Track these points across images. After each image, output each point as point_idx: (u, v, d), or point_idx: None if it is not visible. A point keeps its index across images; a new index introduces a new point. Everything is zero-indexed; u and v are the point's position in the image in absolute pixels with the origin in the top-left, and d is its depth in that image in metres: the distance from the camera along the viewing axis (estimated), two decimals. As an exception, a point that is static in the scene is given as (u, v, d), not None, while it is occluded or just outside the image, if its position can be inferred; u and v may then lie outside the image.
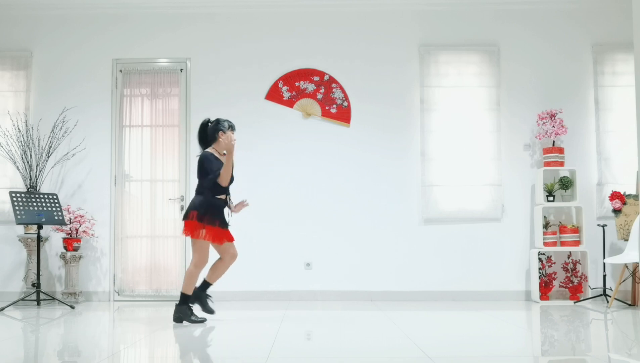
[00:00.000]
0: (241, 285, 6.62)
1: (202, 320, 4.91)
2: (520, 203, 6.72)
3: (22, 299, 6.10)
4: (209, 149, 4.98)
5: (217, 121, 5.01)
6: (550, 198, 6.48)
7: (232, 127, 5.02)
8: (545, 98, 6.77)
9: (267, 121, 6.77)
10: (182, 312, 4.89)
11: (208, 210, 4.84)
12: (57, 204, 6.17)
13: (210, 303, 5.08)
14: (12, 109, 6.76)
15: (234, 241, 5.06)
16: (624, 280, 6.00)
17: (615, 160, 6.67)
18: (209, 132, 5.00)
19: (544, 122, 6.53)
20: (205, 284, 5.07)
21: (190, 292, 4.90)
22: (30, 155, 6.56)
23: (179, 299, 4.93)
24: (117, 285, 6.67)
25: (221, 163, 4.87)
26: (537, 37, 6.83)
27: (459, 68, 6.80)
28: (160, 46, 6.85)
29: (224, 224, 4.97)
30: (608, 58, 6.77)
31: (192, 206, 4.86)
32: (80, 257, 6.51)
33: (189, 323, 4.85)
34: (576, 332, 4.56)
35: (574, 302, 6.26)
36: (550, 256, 6.55)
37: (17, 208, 5.89)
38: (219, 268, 5.05)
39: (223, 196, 4.97)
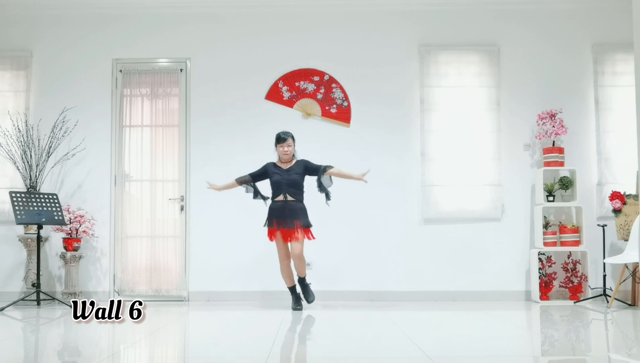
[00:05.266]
0: (241, 285, 6.63)
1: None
2: (520, 203, 6.72)
3: (22, 299, 6.10)
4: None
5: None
6: (550, 198, 6.48)
7: (278, 139, 5.83)
8: (545, 98, 6.77)
9: (267, 121, 6.76)
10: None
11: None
12: (57, 204, 6.16)
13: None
14: (12, 109, 6.76)
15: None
16: (624, 280, 6.00)
17: (615, 160, 6.67)
18: None
19: (544, 122, 6.52)
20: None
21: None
22: (30, 155, 6.56)
23: (303, 284, 5.86)
24: (117, 285, 6.67)
25: (265, 172, 5.89)
26: (537, 37, 6.83)
27: (459, 68, 6.80)
28: (160, 45, 6.85)
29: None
30: (608, 58, 6.77)
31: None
32: (80, 257, 6.51)
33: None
34: (576, 332, 4.56)
35: (574, 302, 6.26)
36: (550, 256, 6.54)
37: (17, 208, 5.89)
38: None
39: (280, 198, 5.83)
